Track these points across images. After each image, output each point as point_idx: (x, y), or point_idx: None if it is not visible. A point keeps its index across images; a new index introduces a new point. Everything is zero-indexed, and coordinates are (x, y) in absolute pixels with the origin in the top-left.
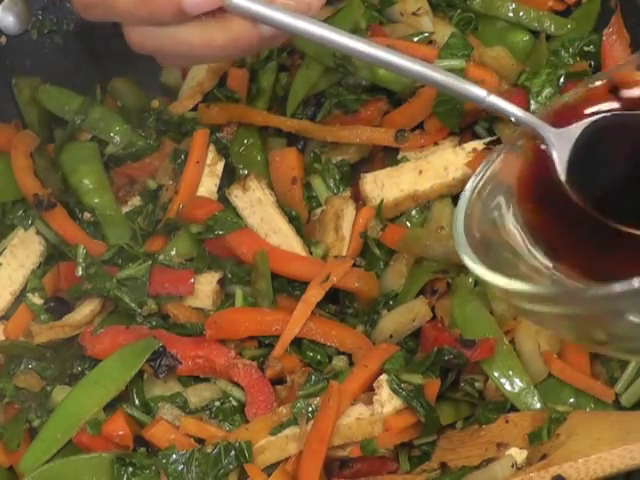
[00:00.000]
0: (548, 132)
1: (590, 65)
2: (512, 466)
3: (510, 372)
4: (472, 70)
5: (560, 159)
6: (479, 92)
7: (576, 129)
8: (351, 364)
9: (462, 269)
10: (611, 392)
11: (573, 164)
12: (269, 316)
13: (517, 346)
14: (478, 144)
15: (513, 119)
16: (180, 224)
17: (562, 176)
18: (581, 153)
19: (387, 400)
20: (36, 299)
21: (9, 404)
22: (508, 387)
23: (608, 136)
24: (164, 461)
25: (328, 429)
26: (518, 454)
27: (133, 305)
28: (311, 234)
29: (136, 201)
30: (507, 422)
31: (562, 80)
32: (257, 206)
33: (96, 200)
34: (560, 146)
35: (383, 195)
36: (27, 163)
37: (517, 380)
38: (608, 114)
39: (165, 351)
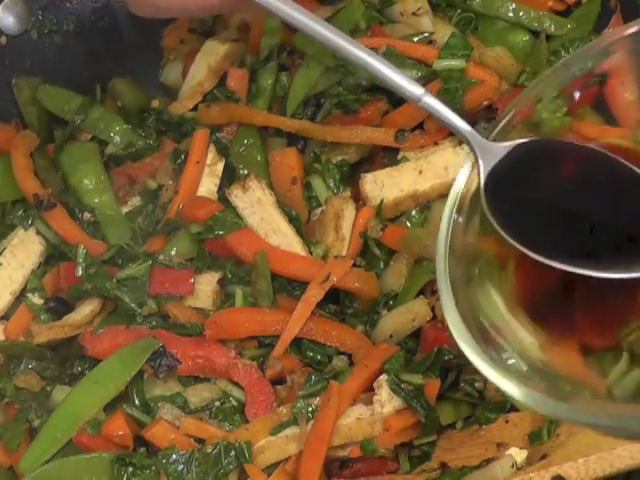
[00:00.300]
0: (477, 142)
1: None
2: (512, 466)
3: None
4: (472, 70)
5: (484, 172)
6: (415, 90)
7: (505, 147)
8: (351, 364)
9: None
10: None
11: (494, 180)
12: (269, 316)
13: None
14: None
15: (445, 124)
16: (180, 224)
17: (482, 189)
18: (504, 171)
19: (387, 400)
20: (36, 299)
21: (9, 404)
22: None
23: (534, 160)
24: (164, 461)
25: (328, 429)
26: (518, 454)
27: (133, 305)
28: (311, 234)
29: (136, 201)
30: (507, 422)
31: None
32: (257, 206)
33: (96, 200)
34: (486, 159)
35: (383, 195)
36: (27, 163)
37: None
38: (540, 138)
39: (165, 351)
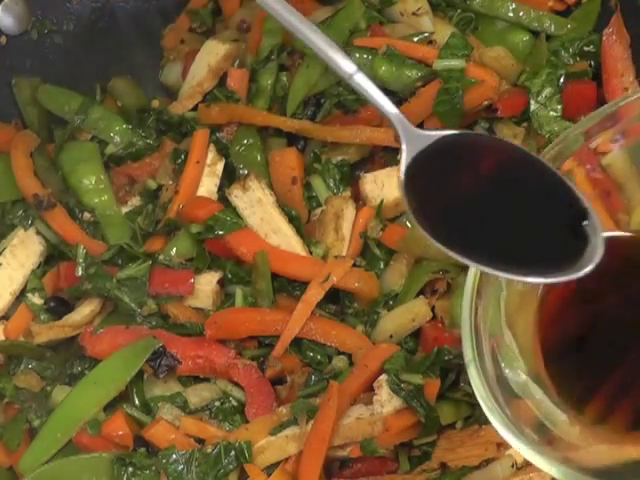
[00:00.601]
0: (403, 126)
1: (590, 65)
2: (512, 466)
3: None
4: (472, 70)
5: (407, 158)
6: (347, 67)
7: (431, 135)
8: (351, 364)
9: (462, 269)
10: None
11: (417, 168)
12: (269, 316)
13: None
14: None
15: (373, 104)
16: (180, 224)
17: (402, 176)
18: (428, 160)
19: (387, 400)
20: (36, 299)
21: (9, 404)
22: None
23: (459, 153)
24: (164, 461)
25: (328, 429)
26: (518, 454)
27: (133, 305)
28: (311, 234)
29: (136, 201)
30: None
31: (562, 80)
32: (257, 206)
33: (96, 200)
34: (411, 145)
35: (383, 195)
36: (27, 163)
37: None
38: (468, 132)
39: (165, 351)
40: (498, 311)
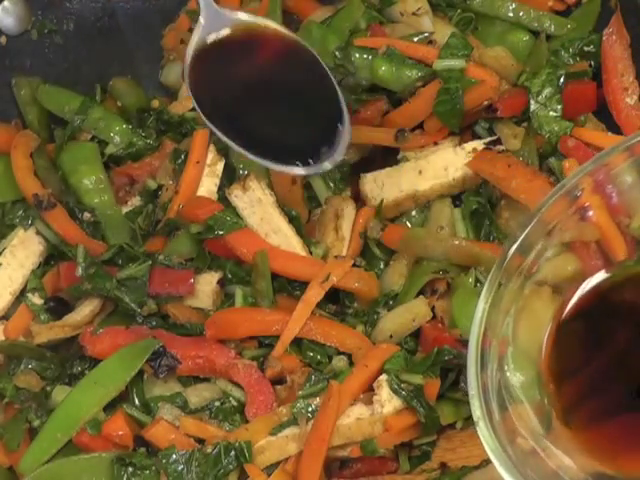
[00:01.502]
0: (205, 2)
1: (590, 65)
2: None
3: None
4: (472, 70)
5: (200, 35)
6: None
7: (229, 16)
8: (351, 364)
9: (462, 269)
10: None
11: (206, 52)
12: (269, 316)
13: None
14: (478, 144)
15: None
16: (180, 224)
17: (189, 54)
18: (217, 46)
19: (387, 400)
20: (36, 299)
21: (9, 404)
22: None
23: (249, 45)
24: (164, 461)
25: (328, 429)
26: None
27: (133, 305)
28: (311, 234)
29: (136, 201)
30: None
31: (562, 80)
32: (257, 206)
33: (96, 200)
34: (207, 22)
35: (383, 195)
36: (27, 163)
37: None
38: (269, 24)
39: (165, 351)
40: (506, 314)
